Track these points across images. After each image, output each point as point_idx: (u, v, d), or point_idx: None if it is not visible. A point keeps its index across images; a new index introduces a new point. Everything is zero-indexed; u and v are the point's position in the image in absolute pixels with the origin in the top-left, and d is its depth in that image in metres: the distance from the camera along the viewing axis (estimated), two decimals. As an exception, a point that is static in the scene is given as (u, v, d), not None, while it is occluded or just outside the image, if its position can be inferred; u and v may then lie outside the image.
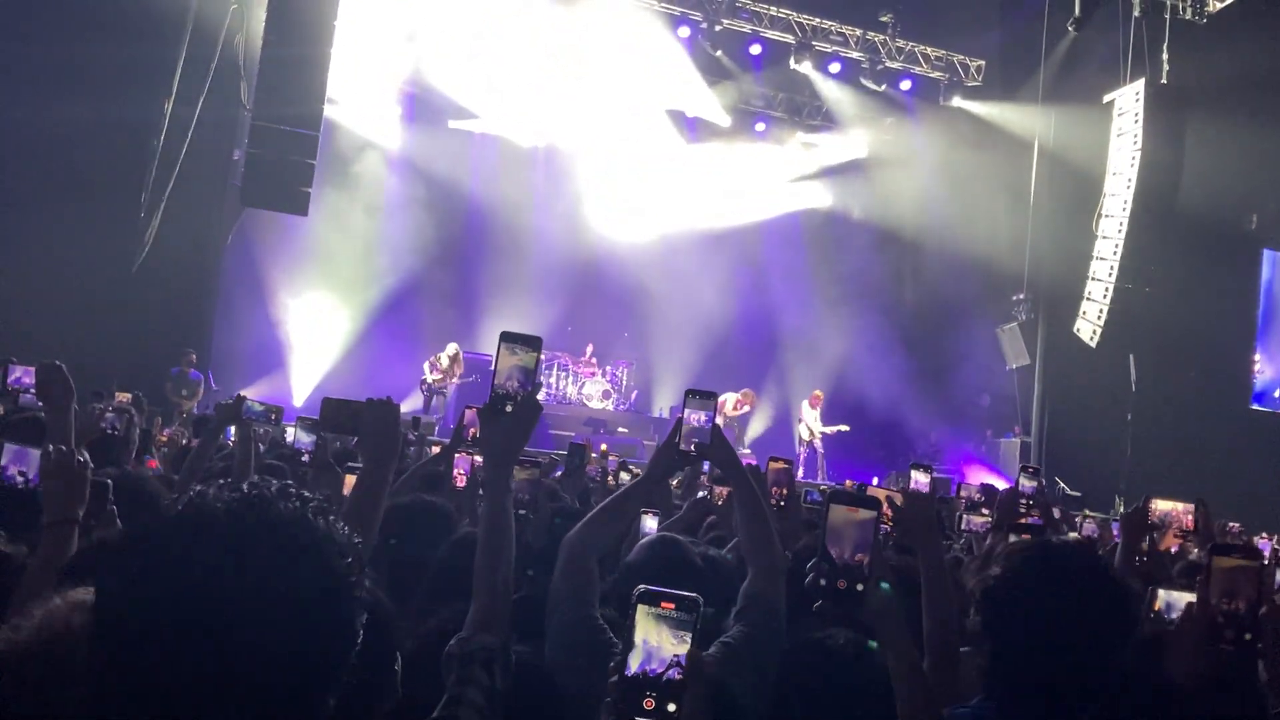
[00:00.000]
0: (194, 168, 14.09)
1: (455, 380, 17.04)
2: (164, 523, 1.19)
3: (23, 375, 5.15)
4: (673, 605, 1.54)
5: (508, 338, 2.20)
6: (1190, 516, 4.10)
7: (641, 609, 1.54)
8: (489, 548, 2.11)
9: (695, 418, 2.77)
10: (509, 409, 2.16)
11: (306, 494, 1.25)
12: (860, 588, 1.97)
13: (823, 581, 1.97)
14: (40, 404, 4.04)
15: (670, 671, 1.52)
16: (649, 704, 1.51)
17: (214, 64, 13.92)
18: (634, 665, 1.53)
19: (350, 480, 3.67)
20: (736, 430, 18.64)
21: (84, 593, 1.56)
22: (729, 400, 18.27)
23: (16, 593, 2.22)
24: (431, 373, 16.88)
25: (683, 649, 1.53)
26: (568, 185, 19.97)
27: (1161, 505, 4.05)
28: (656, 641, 1.53)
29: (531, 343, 2.20)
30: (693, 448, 2.76)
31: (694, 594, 1.56)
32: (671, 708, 1.51)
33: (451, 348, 16.99)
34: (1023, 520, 3.95)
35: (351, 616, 1.23)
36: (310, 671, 1.18)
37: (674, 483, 6.13)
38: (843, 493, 2.10)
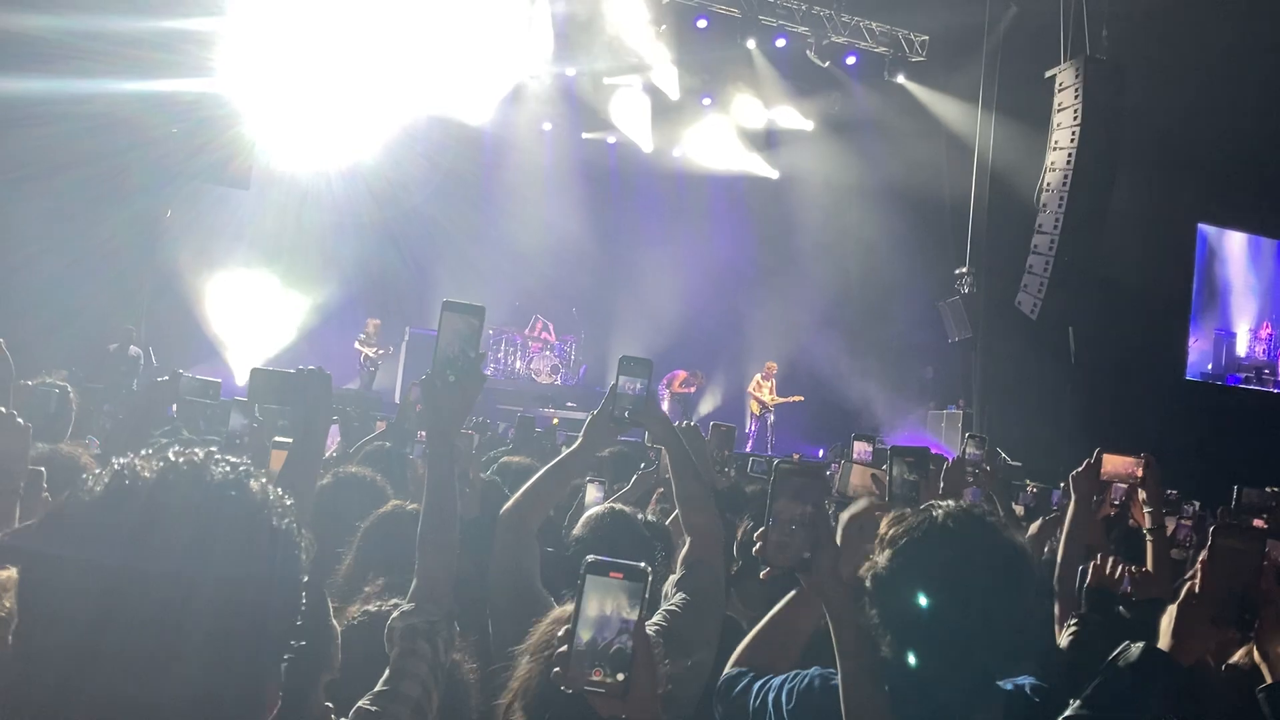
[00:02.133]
0: (132, 143, 13.77)
1: (387, 351, 17.01)
2: (89, 497, 1.11)
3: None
4: (621, 575, 1.53)
5: (450, 306, 2.16)
6: (1140, 470, 4.05)
7: (590, 579, 1.53)
8: (432, 520, 2.08)
9: (629, 385, 2.77)
10: (451, 378, 2.13)
11: (233, 459, 1.20)
12: (806, 555, 1.98)
13: (770, 549, 1.98)
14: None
15: (621, 640, 1.52)
16: (597, 674, 1.51)
17: (150, 35, 13.59)
18: (583, 636, 1.52)
19: (278, 455, 3.61)
20: (683, 407, 18.73)
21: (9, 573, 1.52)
22: (679, 376, 18.45)
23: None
24: (365, 348, 16.81)
25: (632, 618, 1.52)
26: (513, 162, 19.82)
27: (1111, 459, 3.99)
28: (605, 611, 1.53)
29: (474, 311, 2.16)
30: (626, 414, 2.77)
31: (642, 563, 1.56)
32: (620, 677, 1.51)
33: (370, 323, 16.96)
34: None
35: (296, 577, 1.20)
36: (261, 637, 1.15)
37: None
38: (790, 463, 2.11)
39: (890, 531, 2.10)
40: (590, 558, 1.55)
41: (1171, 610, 2.07)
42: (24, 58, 12.51)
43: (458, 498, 2.13)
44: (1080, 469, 3.85)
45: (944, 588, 1.99)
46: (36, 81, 12.57)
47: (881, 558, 2.06)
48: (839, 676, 1.99)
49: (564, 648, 1.52)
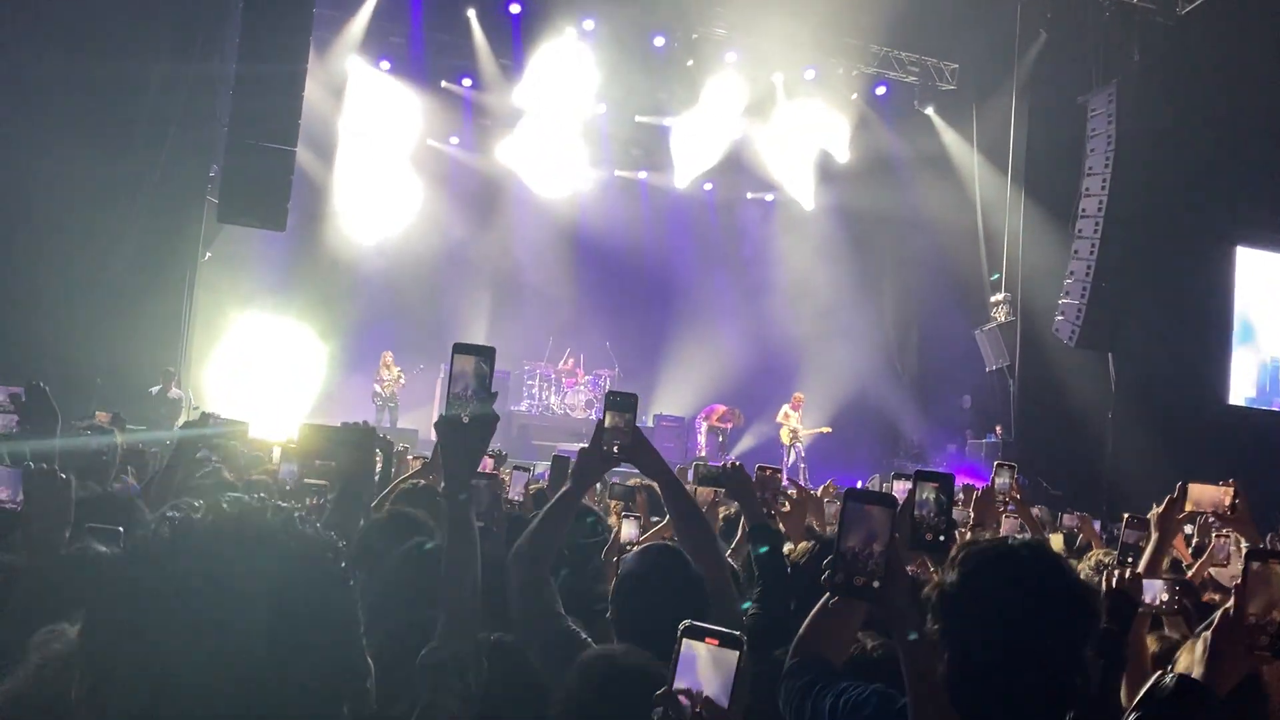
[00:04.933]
0: (170, 184, 14.02)
1: (403, 384, 17.02)
2: (147, 548, 1.11)
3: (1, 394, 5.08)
4: (716, 641, 1.62)
5: (461, 348, 2.18)
6: (1229, 500, 3.72)
7: (686, 643, 1.62)
8: (455, 557, 2.10)
9: (616, 420, 2.81)
10: (465, 419, 2.16)
11: (282, 504, 1.20)
12: (876, 585, 1.98)
13: (839, 578, 1.99)
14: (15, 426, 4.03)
15: (713, 701, 1.59)
16: None
17: (190, 80, 13.88)
18: (682, 698, 1.60)
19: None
20: (721, 439, 18.71)
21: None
22: (717, 410, 18.54)
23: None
24: (380, 386, 16.84)
25: (727, 685, 1.60)
26: (545, 198, 19.96)
27: (1197, 490, 3.67)
28: (698, 676, 1.61)
29: (484, 352, 2.18)
30: (615, 449, 2.80)
31: (738, 632, 1.64)
32: None
33: (386, 356, 17.00)
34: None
35: (357, 617, 1.20)
36: (331, 679, 1.14)
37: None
38: (860, 491, 2.11)
39: (961, 553, 2.11)
40: (686, 623, 1.64)
41: (1206, 636, 2.03)
42: (61, 101, 12.69)
43: (476, 535, 2.15)
44: (1162, 508, 3.68)
45: (1002, 619, 1.99)
46: (75, 123, 12.72)
47: (950, 575, 2.07)
48: (910, 707, 1.97)
49: (661, 708, 1.61)
